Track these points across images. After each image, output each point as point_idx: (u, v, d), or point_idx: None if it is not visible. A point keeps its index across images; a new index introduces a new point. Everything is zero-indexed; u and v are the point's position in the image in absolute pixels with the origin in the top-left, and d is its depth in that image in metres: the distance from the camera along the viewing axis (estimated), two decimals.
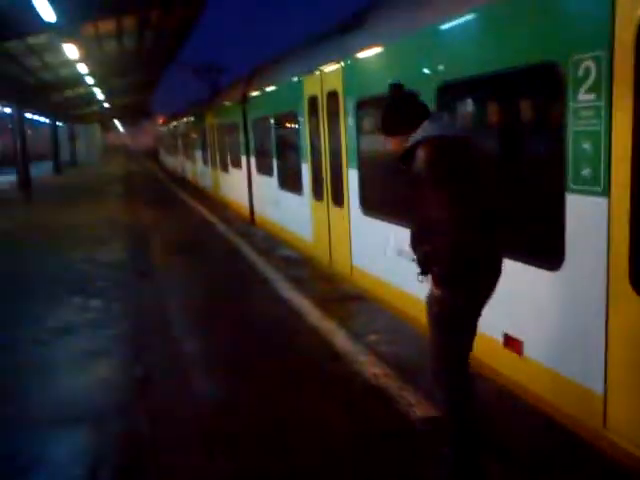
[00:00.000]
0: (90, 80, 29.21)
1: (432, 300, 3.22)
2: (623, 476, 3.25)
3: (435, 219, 3.01)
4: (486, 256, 3.18)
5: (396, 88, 3.42)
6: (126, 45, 23.68)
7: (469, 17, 4.51)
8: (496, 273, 3.28)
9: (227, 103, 15.31)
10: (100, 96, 39.07)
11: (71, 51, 19.80)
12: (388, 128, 3.41)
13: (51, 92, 31.46)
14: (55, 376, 5.18)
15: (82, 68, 24.75)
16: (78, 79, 28.36)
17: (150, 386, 4.88)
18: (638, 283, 3.14)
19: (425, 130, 3.19)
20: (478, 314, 3.29)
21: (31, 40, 18.72)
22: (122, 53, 25.17)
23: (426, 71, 5.14)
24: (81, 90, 33.64)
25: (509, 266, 4.19)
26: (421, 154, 3.09)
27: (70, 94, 34.45)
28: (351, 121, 7.02)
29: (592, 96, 3.32)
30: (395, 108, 3.38)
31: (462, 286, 3.11)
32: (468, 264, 3.04)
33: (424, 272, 3.20)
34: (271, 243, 10.73)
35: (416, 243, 3.27)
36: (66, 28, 15.87)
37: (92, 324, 6.56)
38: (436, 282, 3.13)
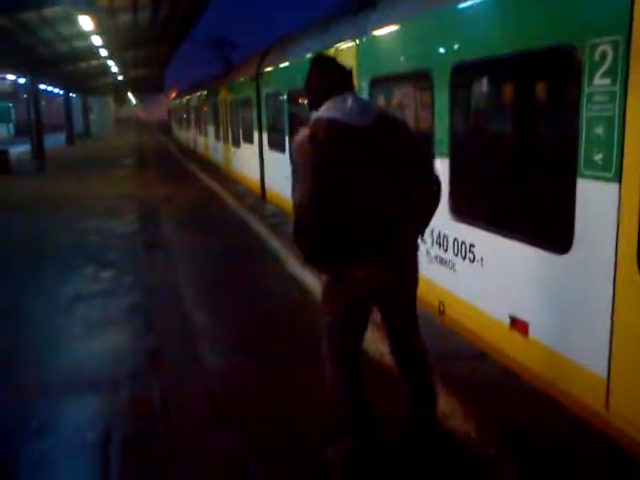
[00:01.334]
0: (104, 52, 29.12)
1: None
2: (625, 459, 3.28)
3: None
4: (349, 244, 2.93)
5: (315, 61, 3.17)
6: (140, 18, 23.53)
7: None
8: (384, 265, 3.00)
9: (240, 78, 15.25)
10: (114, 68, 38.98)
11: (86, 23, 19.74)
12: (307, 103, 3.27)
13: (65, 64, 31.40)
14: (69, 344, 5.31)
15: (96, 40, 24.67)
16: (92, 51, 28.26)
17: (160, 356, 4.98)
18: None
19: (320, 111, 3.02)
20: (365, 309, 3.13)
21: (46, 11, 18.66)
22: (136, 26, 25.02)
23: (442, 50, 5.12)
24: (95, 62, 33.54)
25: (516, 248, 4.24)
26: (302, 132, 2.96)
27: (84, 66, 34.37)
28: (365, 98, 7.00)
29: (607, 81, 3.31)
30: (306, 84, 3.18)
31: (335, 272, 3.00)
32: (324, 244, 2.93)
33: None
34: (282, 219, 10.77)
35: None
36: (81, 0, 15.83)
37: (104, 294, 6.68)
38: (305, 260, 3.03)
